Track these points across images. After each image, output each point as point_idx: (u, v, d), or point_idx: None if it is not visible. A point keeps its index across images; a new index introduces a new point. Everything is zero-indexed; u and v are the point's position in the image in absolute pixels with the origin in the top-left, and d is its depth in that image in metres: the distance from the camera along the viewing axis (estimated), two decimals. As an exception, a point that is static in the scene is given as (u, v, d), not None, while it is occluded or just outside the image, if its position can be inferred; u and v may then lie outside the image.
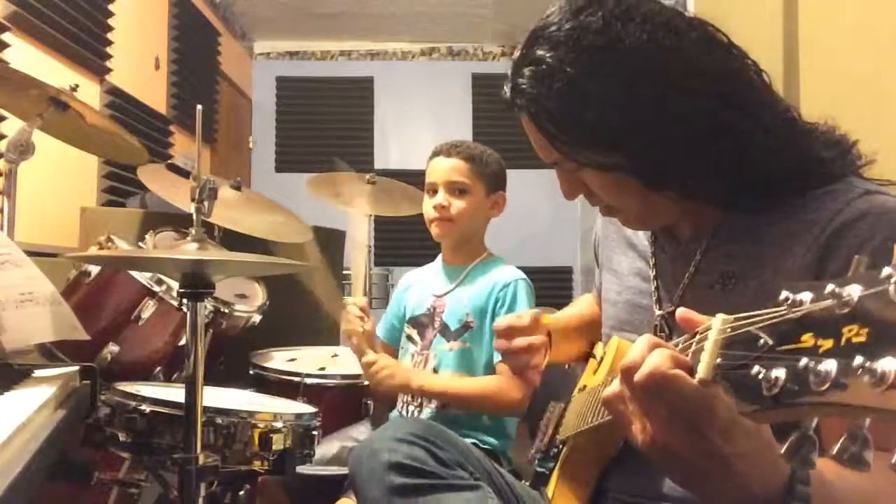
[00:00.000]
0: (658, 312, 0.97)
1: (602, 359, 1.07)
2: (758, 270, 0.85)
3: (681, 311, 0.62)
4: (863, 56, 1.76)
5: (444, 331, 1.74)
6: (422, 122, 5.31)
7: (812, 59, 1.88)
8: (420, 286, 1.87)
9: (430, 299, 1.80)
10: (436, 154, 1.80)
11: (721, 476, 0.59)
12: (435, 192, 1.77)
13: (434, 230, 1.78)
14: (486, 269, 1.79)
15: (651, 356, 0.58)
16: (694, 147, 0.82)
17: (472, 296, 1.74)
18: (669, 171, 0.84)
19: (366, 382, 1.91)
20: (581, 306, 1.34)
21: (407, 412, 1.75)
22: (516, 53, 0.90)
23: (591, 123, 0.82)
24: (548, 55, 0.84)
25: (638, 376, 0.59)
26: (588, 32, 0.83)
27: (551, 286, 5.03)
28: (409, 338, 1.82)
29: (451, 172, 1.76)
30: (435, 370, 1.73)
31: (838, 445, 0.43)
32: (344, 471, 1.61)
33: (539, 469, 1.13)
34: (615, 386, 0.65)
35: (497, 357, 1.67)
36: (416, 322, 1.81)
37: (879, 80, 1.71)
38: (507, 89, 0.91)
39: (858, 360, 0.40)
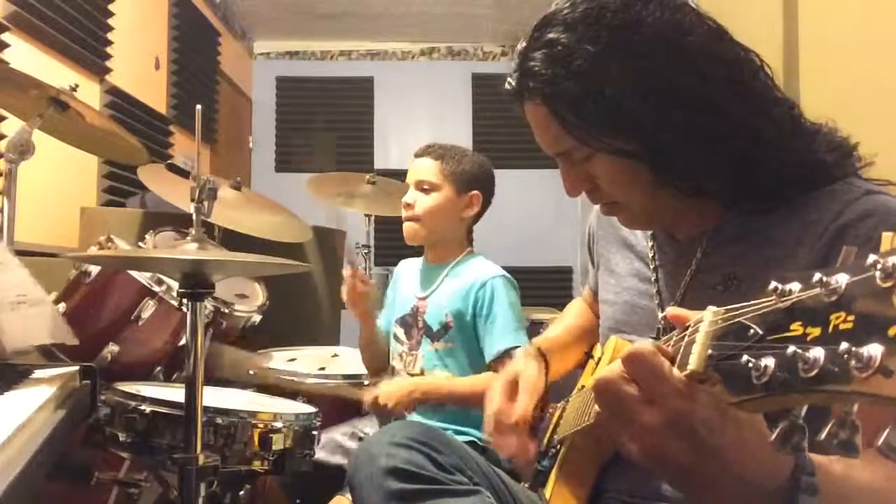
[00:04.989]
0: (661, 314, 0.97)
1: (600, 359, 1.07)
2: (760, 272, 0.85)
3: (671, 310, 0.62)
4: (863, 56, 1.76)
5: (428, 332, 1.76)
6: (422, 122, 5.31)
7: (812, 59, 1.88)
8: (406, 285, 1.89)
9: (413, 300, 1.82)
10: (414, 157, 1.84)
11: (717, 471, 0.58)
12: None
13: (404, 232, 1.80)
14: (464, 266, 1.80)
15: (634, 365, 0.59)
16: (705, 134, 0.82)
17: (451, 297, 1.75)
18: (680, 159, 0.84)
19: (366, 382, 1.92)
20: (572, 316, 1.33)
21: None
22: (520, 45, 0.90)
23: (609, 103, 0.82)
24: (562, 37, 0.84)
25: (631, 387, 0.59)
26: (607, 11, 0.83)
27: (551, 286, 5.03)
28: (396, 337, 1.83)
29: (419, 171, 1.79)
30: (422, 371, 1.75)
31: (826, 431, 0.44)
32: (344, 461, 1.61)
33: (537, 469, 1.13)
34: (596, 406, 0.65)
35: (488, 359, 1.68)
36: (402, 321, 1.83)
37: (879, 80, 1.70)
38: (513, 78, 0.90)
39: (844, 346, 0.41)
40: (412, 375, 1.77)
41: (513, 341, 1.66)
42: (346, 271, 1.82)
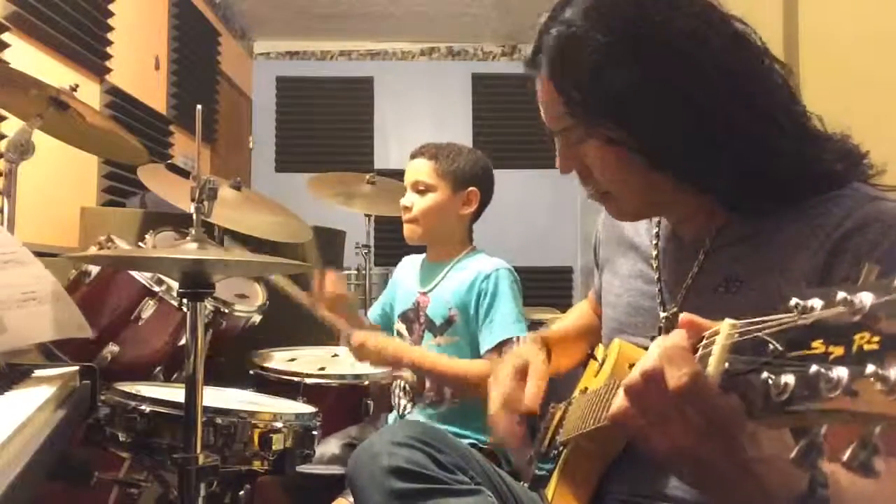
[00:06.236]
0: (662, 314, 0.97)
1: (604, 361, 1.07)
2: (762, 274, 0.85)
3: (684, 316, 0.61)
4: (863, 55, 1.76)
5: (431, 326, 1.77)
6: (422, 122, 5.31)
7: (812, 58, 1.88)
8: (407, 281, 1.90)
9: (415, 295, 1.83)
10: (409, 158, 1.84)
11: (743, 480, 0.58)
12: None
13: (404, 233, 1.81)
14: (467, 262, 1.80)
15: (677, 362, 0.57)
16: (707, 138, 0.82)
17: (454, 290, 1.75)
18: (679, 159, 0.84)
19: (366, 382, 1.92)
20: (576, 316, 1.33)
21: (399, 407, 1.77)
22: (543, 17, 0.90)
23: (612, 94, 0.83)
24: (577, 20, 0.85)
25: (673, 383, 0.56)
26: (621, 2, 0.84)
27: (551, 286, 5.03)
28: (399, 333, 1.84)
29: (414, 172, 1.80)
30: None
31: (849, 452, 0.43)
32: (343, 470, 1.61)
33: (539, 471, 1.13)
34: (623, 401, 0.63)
35: (484, 347, 1.68)
36: (404, 317, 1.84)
37: (880, 79, 1.70)
38: (530, 49, 0.91)
39: (871, 367, 0.40)
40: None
41: (511, 332, 1.67)
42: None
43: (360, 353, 1.68)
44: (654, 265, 1.01)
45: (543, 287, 4.85)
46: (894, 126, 1.55)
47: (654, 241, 1.02)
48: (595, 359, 1.12)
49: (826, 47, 1.85)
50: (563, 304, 1.52)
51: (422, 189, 1.78)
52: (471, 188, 1.79)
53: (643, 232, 1.05)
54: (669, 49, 0.82)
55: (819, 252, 0.80)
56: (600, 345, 1.14)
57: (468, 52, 5.57)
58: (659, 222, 1.03)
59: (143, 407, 1.34)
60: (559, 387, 1.23)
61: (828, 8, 1.93)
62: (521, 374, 1.09)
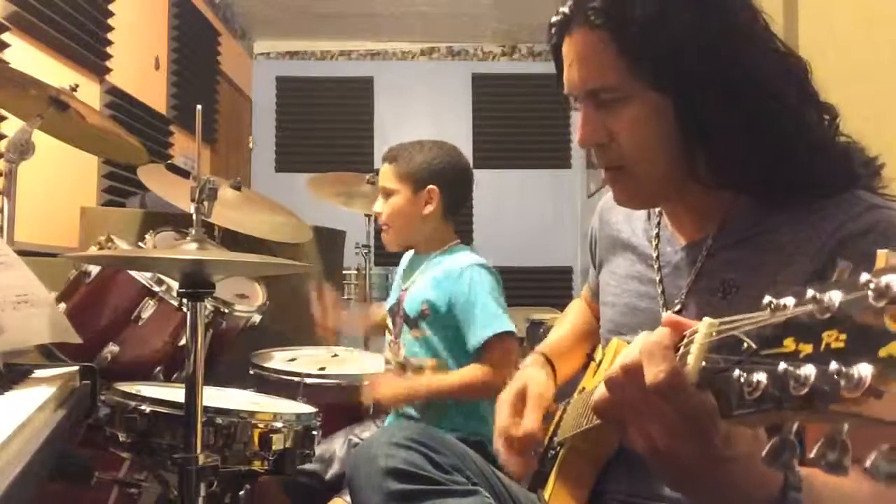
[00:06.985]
0: (665, 314, 0.96)
1: (601, 361, 1.07)
2: (759, 279, 0.84)
3: (666, 317, 0.61)
4: (863, 55, 1.76)
5: (407, 319, 1.78)
6: (422, 122, 5.32)
7: (812, 59, 1.88)
8: (397, 276, 1.93)
9: (398, 290, 1.85)
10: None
11: (719, 481, 0.58)
12: None
13: (383, 241, 1.84)
14: (442, 259, 1.79)
15: (656, 358, 0.57)
16: (752, 107, 0.82)
17: (425, 287, 1.75)
18: (718, 125, 0.83)
19: (366, 382, 1.92)
20: (572, 318, 1.32)
21: None
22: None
23: (672, 42, 0.81)
24: None
25: (650, 379, 0.57)
26: None
27: (551, 286, 5.03)
28: (388, 326, 1.87)
29: (381, 177, 1.83)
30: (406, 358, 1.78)
31: (815, 450, 0.43)
32: (343, 470, 1.62)
33: (536, 470, 1.13)
34: (604, 391, 0.63)
35: (473, 345, 1.68)
36: (391, 311, 1.87)
37: (879, 80, 1.71)
38: (566, 5, 0.87)
39: (835, 365, 0.40)
40: (399, 363, 1.79)
41: (496, 328, 1.65)
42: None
43: (380, 405, 1.73)
44: (655, 267, 1.00)
45: (543, 287, 4.85)
46: (894, 125, 1.55)
47: (655, 243, 1.01)
48: (594, 360, 1.12)
49: (826, 47, 1.85)
50: (563, 304, 1.51)
51: (387, 194, 1.78)
52: (430, 186, 1.76)
53: (640, 233, 1.05)
54: (728, 9, 0.83)
55: (815, 258, 0.80)
56: (599, 346, 1.14)
57: (468, 52, 5.58)
58: (658, 223, 1.02)
59: (143, 407, 1.34)
60: (560, 388, 1.23)
61: (828, 7, 1.93)
62: (520, 401, 1.09)
